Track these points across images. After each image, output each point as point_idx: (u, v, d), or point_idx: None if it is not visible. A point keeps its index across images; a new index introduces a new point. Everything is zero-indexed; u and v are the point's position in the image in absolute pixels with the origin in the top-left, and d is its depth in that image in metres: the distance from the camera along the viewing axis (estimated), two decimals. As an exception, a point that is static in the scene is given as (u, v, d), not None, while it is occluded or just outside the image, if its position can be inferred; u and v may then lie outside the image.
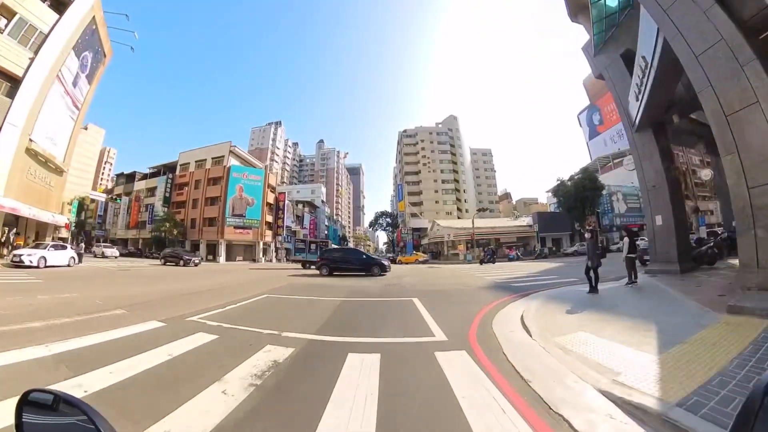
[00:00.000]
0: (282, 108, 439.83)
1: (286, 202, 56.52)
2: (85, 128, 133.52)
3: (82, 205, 75.76)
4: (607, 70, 15.27)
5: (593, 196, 46.46)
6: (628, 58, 13.39)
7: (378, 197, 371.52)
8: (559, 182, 49.41)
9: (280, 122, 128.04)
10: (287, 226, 56.47)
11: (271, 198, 52.53)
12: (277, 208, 54.03)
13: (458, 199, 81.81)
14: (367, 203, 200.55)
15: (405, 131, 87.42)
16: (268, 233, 51.05)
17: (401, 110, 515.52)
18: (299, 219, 65.36)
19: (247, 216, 46.74)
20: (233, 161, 49.80)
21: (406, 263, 38.49)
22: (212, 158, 50.43)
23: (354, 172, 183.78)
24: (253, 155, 64.51)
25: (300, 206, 69.38)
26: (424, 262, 39.53)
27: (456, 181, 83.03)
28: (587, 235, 10.69)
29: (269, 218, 51.69)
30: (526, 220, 54.05)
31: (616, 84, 14.85)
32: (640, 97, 12.18)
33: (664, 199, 13.39)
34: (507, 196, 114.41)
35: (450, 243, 48.28)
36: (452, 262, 38.75)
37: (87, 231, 67.64)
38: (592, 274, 9.31)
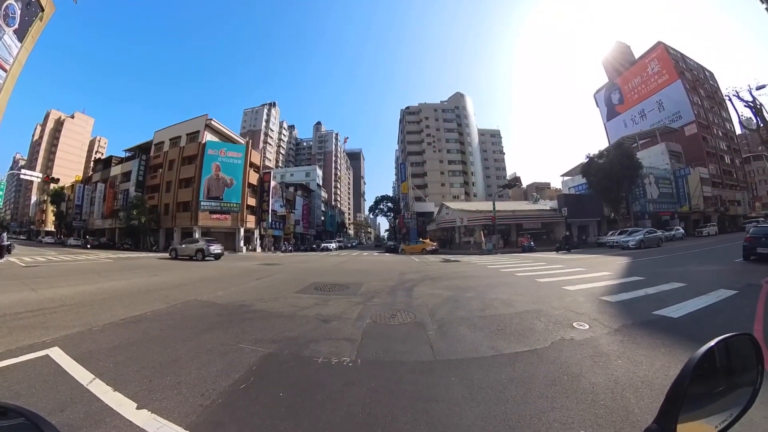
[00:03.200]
0: (278, 92, 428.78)
1: (273, 183, 50.10)
2: (72, 117, 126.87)
3: (61, 195, 70.45)
4: None
5: (632, 176, 39.51)
6: None
7: (380, 185, 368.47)
8: (588, 159, 42.83)
9: (275, 103, 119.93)
10: (274, 211, 50.06)
11: (254, 178, 46.06)
12: (261, 190, 47.43)
13: (466, 182, 75.86)
14: (368, 190, 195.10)
15: (408, 108, 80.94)
16: (251, 219, 44.69)
17: (405, 93, 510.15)
18: (290, 203, 59.02)
19: (225, 199, 40.50)
20: (210, 137, 43.32)
21: (411, 253, 32.25)
22: (187, 134, 43.95)
23: (354, 157, 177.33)
24: (245, 138, 58.14)
25: (291, 189, 63.06)
26: (434, 251, 32.94)
27: (463, 162, 76.95)
28: None
29: (252, 201, 45.25)
30: (549, 204, 47.36)
31: None
32: None
33: None
34: (517, 179, 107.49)
35: (463, 229, 41.85)
36: (469, 252, 32.46)
37: (69, 222, 63.33)
38: None
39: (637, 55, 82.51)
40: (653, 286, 8.90)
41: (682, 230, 38.92)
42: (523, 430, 2.49)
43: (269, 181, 48.15)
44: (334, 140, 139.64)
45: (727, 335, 0.71)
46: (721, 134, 66.96)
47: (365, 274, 13.10)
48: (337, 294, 8.54)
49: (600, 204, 43.11)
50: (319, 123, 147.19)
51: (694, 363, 0.65)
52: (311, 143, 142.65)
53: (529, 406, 2.81)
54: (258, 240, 46.08)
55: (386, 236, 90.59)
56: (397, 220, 63.06)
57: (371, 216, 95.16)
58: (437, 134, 76.47)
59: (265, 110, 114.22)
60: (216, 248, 24.10)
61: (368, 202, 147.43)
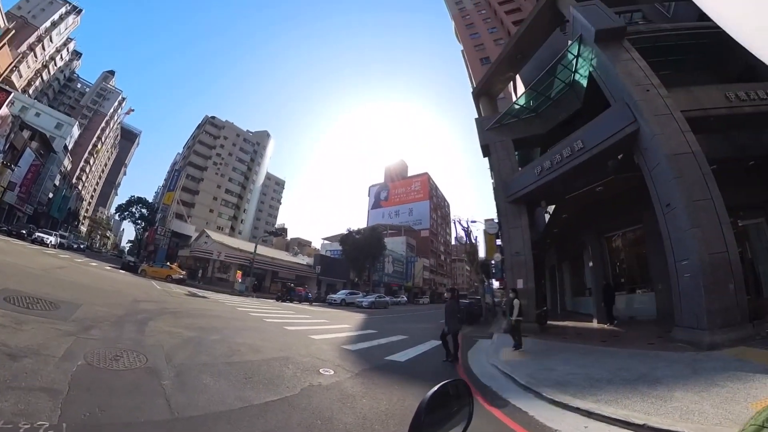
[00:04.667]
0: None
1: (5, 111, 32.08)
2: None
3: None
4: (494, 144, 17.44)
5: (377, 253, 49.41)
6: (517, 142, 17.51)
7: (141, 184, 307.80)
8: (348, 232, 50.00)
9: (80, 10, 77.18)
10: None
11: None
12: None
13: (235, 217, 72.75)
14: (125, 183, 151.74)
15: (213, 118, 73.55)
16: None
17: (217, 103, 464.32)
18: (13, 153, 38.03)
19: None
20: None
21: (154, 277, 26.91)
22: None
23: (129, 137, 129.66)
24: (11, 23, 32.85)
25: (26, 134, 41.26)
26: (181, 281, 28.24)
27: (240, 197, 74.32)
28: (447, 295, 9.58)
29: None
30: (306, 260, 51.11)
31: (500, 158, 17.17)
32: (545, 173, 13.46)
33: (527, 265, 14.29)
34: (284, 230, 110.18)
35: (219, 264, 38.83)
36: (219, 290, 29.88)
37: None
38: (450, 340, 7.97)
39: (410, 173, 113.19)
40: (385, 337, 11.12)
41: (405, 298, 54.38)
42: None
43: (1, 105, 30.81)
44: (116, 103, 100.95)
45: (449, 380, 0.99)
46: (442, 241, 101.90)
47: (87, 292, 9.97)
48: (39, 314, 6.05)
49: (348, 269, 50.56)
50: (111, 72, 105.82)
51: (427, 400, 0.86)
52: (87, 89, 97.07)
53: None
54: None
55: (127, 249, 72.75)
56: (147, 234, 52.26)
57: (117, 217, 74.04)
58: (228, 159, 71.81)
59: (63, 11, 71.82)
60: None
61: (120, 198, 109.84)
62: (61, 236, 37.53)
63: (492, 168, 18.09)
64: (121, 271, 26.72)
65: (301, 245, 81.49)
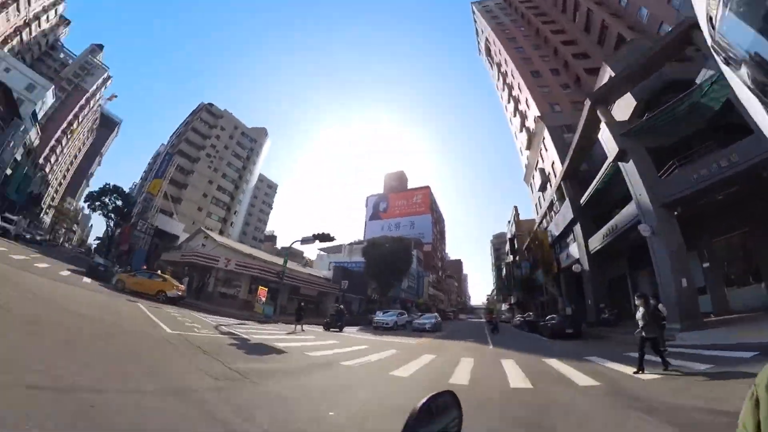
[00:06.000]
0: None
1: None
2: None
3: None
4: (632, 150, 17.61)
5: (405, 267, 42.99)
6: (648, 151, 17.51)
7: (118, 174, 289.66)
8: (370, 241, 43.96)
9: None
10: None
11: None
12: None
13: (225, 219, 64.29)
14: (99, 176, 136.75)
15: (211, 105, 66.04)
16: None
17: (212, 91, 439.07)
18: None
19: None
20: None
21: (136, 292, 18.18)
22: None
23: (108, 125, 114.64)
24: None
25: None
26: (178, 299, 19.40)
27: (232, 197, 66.40)
28: (638, 301, 7.47)
29: None
30: (323, 273, 44.37)
31: (642, 163, 17.20)
32: (702, 179, 14.14)
33: (685, 263, 14.92)
34: (273, 238, 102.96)
35: (222, 274, 29.91)
36: (229, 310, 22.39)
37: None
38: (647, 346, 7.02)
39: (410, 185, 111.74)
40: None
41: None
42: None
43: None
44: (101, 81, 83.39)
45: (436, 392, 0.96)
46: (440, 257, 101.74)
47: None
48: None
49: (366, 284, 44.12)
50: (99, 47, 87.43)
51: (416, 412, 0.85)
52: (72, 61, 79.85)
53: None
54: None
55: (95, 247, 61.30)
56: (121, 231, 42.51)
57: (87, 209, 59.93)
58: (223, 152, 64.03)
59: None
60: None
61: (92, 189, 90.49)
62: (5, 220, 29.49)
63: (637, 171, 17.56)
64: (85, 279, 18.31)
65: (293, 255, 73.53)
